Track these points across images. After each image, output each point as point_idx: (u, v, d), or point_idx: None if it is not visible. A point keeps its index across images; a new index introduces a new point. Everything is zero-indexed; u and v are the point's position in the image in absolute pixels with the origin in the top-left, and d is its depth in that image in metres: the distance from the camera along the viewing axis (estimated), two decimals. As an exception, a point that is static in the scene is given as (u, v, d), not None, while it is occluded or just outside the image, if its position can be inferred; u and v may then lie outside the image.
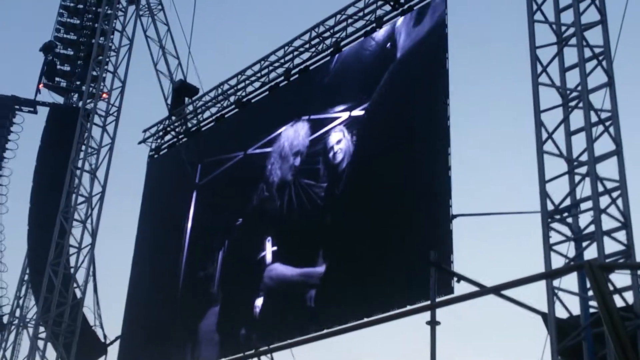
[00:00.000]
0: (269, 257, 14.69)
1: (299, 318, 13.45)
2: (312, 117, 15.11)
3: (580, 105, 10.18)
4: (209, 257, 16.26)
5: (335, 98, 14.66)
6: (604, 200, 9.49)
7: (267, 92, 16.47)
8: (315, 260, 13.61)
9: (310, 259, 13.71)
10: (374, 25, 14.47)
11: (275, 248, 14.68)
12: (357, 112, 14.02)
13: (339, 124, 14.30)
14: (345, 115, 14.24)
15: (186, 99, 19.20)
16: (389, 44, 13.96)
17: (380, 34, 14.40)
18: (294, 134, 15.38)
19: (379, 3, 14.51)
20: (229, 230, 16.17)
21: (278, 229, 14.91)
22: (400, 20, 13.97)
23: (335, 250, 13.31)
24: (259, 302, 14.52)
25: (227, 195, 16.90)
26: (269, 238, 14.90)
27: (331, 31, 15.31)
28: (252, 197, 15.79)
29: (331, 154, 14.21)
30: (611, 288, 8.52)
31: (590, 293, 8.75)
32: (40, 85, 20.58)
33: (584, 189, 9.73)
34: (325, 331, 11.25)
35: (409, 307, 10.86)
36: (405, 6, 13.97)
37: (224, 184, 17.17)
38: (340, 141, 14.14)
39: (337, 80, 15.06)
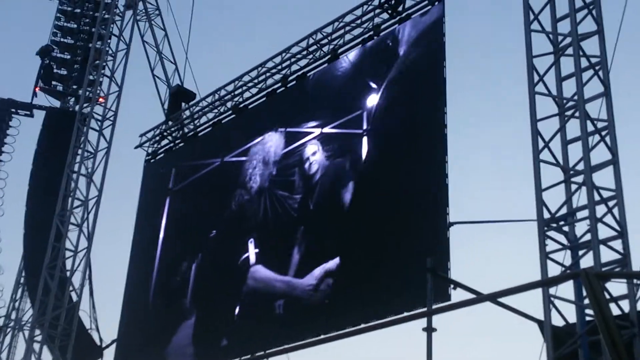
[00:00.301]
0: (252, 258, 14.87)
1: (289, 325, 13.54)
2: (288, 129, 15.47)
3: (577, 114, 10.26)
4: (181, 270, 16.49)
5: (309, 114, 15.07)
6: (600, 209, 9.55)
7: (264, 99, 16.53)
8: (301, 267, 13.84)
9: (297, 267, 13.90)
10: (371, 33, 14.55)
11: (257, 250, 14.88)
12: (329, 129, 14.41)
13: (312, 138, 14.67)
14: (317, 131, 14.64)
15: (183, 104, 19.23)
16: (389, 42, 14.06)
17: (350, 56, 14.84)
18: (277, 142, 15.68)
19: (377, 11, 14.58)
20: (202, 243, 16.45)
21: (259, 231, 15.12)
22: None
23: (330, 257, 13.35)
24: (241, 309, 14.69)
25: (200, 205, 17.23)
26: (252, 239, 15.09)
27: (329, 38, 15.37)
28: (229, 204, 16.07)
29: (307, 165, 14.55)
30: (607, 296, 8.65)
31: (587, 301, 8.83)
32: (37, 89, 20.56)
33: (580, 198, 9.80)
34: (321, 337, 11.28)
35: (405, 314, 10.89)
36: (403, 14, 14.04)
37: (198, 192, 17.49)
38: (315, 153, 14.50)
39: (313, 96, 15.42)
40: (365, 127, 13.80)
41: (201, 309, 15.68)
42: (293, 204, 14.55)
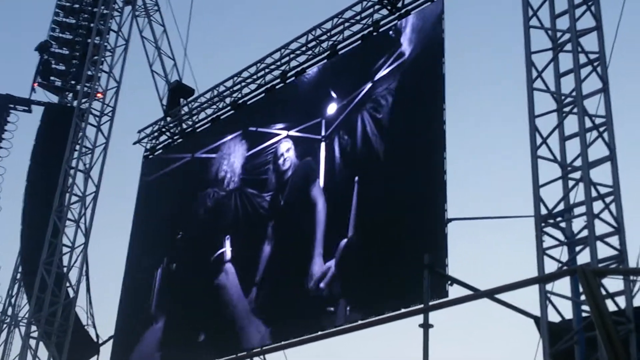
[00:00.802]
0: (228, 255, 15.28)
1: (282, 320, 13.62)
2: (258, 129, 15.97)
3: (575, 110, 10.23)
4: (144, 276, 16.89)
5: (277, 117, 15.68)
6: (597, 205, 9.53)
7: (263, 94, 16.52)
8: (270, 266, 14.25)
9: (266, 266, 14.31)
10: (371, 29, 14.51)
11: (231, 248, 15.28)
12: (293, 132, 15.06)
13: (280, 139, 15.28)
14: (283, 133, 15.22)
15: (182, 100, 19.19)
16: (388, 38, 14.05)
17: (312, 72, 15.44)
18: (247, 142, 16.18)
19: (376, 7, 14.55)
20: (167, 246, 16.88)
21: (233, 229, 15.48)
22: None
23: (329, 253, 13.33)
24: (216, 302, 14.94)
25: (167, 205, 17.67)
26: (228, 236, 15.46)
27: (328, 34, 15.34)
28: (204, 201, 16.50)
29: (281, 160, 15.00)
30: (604, 292, 8.62)
31: (583, 297, 8.80)
32: (35, 84, 20.52)
33: (578, 194, 9.78)
34: (319, 333, 11.29)
35: (402, 310, 10.89)
36: (403, 10, 14.00)
37: (165, 190, 17.97)
38: (289, 150, 14.96)
39: (282, 101, 15.97)
40: (323, 133, 14.38)
41: (170, 311, 15.95)
42: (261, 202, 14.99)
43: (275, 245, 14.36)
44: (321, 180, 13.96)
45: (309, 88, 15.40)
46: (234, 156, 16.21)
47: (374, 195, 13.06)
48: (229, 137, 16.61)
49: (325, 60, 15.28)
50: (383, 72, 13.75)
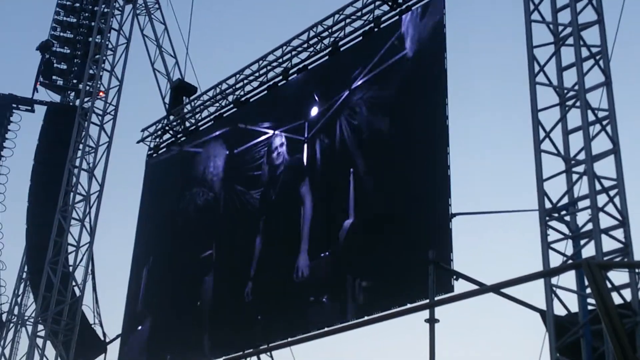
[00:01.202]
0: (213, 257, 15.61)
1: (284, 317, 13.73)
2: (248, 127, 16.26)
3: (578, 104, 10.24)
4: (136, 275, 17.19)
5: (264, 116, 15.94)
6: (602, 199, 9.54)
7: (265, 92, 16.54)
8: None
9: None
10: (372, 25, 14.53)
11: (216, 254, 15.59)
12: (279, 132, 15.34)
13: (267, 138, 15.56)
14: (270, 132, 15.53)
15: (184, 98, 19.20)
16: (395, 41, 14.03)
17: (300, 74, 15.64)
18: (236, 138, 16.43)
19: (377, 3, 14.55)
20: (155, 244, 17.23)
21: (221, 230, 15.79)
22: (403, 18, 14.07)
23: (329, 250, 13.35)
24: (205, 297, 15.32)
25: (158, 204, 17.96)
26: (214, 239, 15.79)
27: (329, 31, 15.35)
28: (193, 200, 16.79)
29: (275, 154, 15.20)
30: (609, 286, 8.65)
31: (589, 290, 8.83)
32: (38, 84, 20.57)
33: (582, 188, 9.80)
34: (325, 329, 11.31)
35: (408, 306, 10.92)
36: (404, 6, 14.00)
37: (159, 187, 18.32)
38: (282, 145, 15.17)
39: (271, 101, 16.18)
40: (306, 135, 14.65)
41: (157, 310, 16.27)
42: (249, 199, 15.24)
43: (267, 239, 14.55)
44: (310, 179, 14.20)
45: (296, 90, 15.59)
46: (221, 154, 16.42)
47: (376, 191, 13.07)
48: (217, 133, 16.89)
49: (314, 64, 15.45)
50: (359, 82, 13.95)
